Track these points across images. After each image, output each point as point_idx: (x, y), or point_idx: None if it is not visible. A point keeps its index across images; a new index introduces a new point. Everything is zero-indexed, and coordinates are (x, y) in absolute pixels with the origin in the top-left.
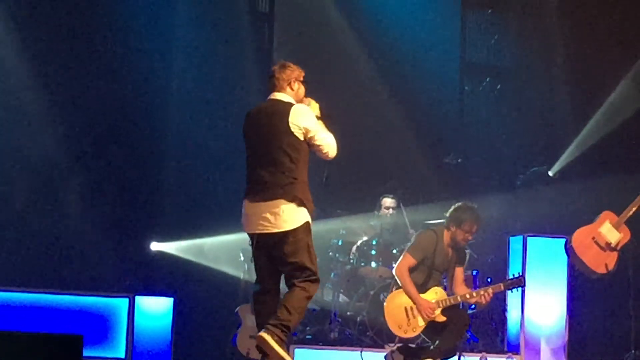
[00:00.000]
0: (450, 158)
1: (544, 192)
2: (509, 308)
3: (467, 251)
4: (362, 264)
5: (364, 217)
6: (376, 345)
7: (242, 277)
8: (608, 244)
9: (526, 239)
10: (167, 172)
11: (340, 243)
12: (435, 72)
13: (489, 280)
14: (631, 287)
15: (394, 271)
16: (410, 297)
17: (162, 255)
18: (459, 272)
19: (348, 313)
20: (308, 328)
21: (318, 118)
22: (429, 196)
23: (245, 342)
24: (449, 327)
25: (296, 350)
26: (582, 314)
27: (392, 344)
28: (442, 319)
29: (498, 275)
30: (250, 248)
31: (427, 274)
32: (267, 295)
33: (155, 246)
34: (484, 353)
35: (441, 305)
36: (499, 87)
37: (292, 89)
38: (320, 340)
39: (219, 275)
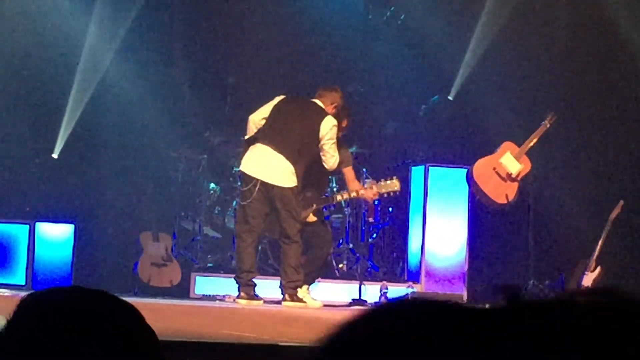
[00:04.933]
0: (353, 87)
1: (446, 122)
2: (409, 237)
3: (350, 151)
4: None
5: None
6: (277, 273)
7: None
8: (509, 175)
9: (428, 169)
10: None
11: None
12: (339, 0)
13: (390, 209)
14: (531, 217)
15: None
16: None
17: (63, 177)
18: (348, 172)
19: None
20: (209, 256)
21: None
22: None
23: (147, 269)
24: (311, 251)
25: (197, 277)
26: (482, 244)
27: None
28: (314, 219)
29: (400, 204)
30: None
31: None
32: (251, 235)
33: (55, 153)
34: (384, 282)
35: (310, 210)
36: (402, 17)
37: (330, 109)
38: (221, 269)
39: (120, 201)
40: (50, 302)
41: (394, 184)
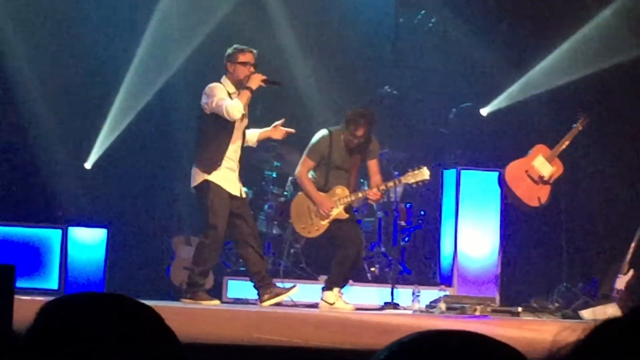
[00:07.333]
0: (384, 90)
1: (478, 126)
2: (442, 240)
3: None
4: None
5: (299, 150)
6: (309, 276)
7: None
8: (541, 177)
9: (460, 172)
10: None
11: (274, 175)
12: (371, 3)
13: (422, 212)
14: (563, 220)
15: (295, 175)
16: (309, 197)
17: (94, 181)
18: (372, 164)
19: (282, 245)
20: (241, 260)
21: (265, 82)
22: None
23: (179, 273)
24: (339, 252)
25: (230, 281)
26: (514, 247)
27: (325, 276)
28: (345, 216)
29: (431, 208)
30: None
31: (326, 173)
32: (237, 244)
33: (88, 164)
34: (416, 285)
35: (339, 204)
36: (433, 20)
37: (229, 72)
38: None
39: (152, 205)
40: (68, 308)
41: (422, 173)
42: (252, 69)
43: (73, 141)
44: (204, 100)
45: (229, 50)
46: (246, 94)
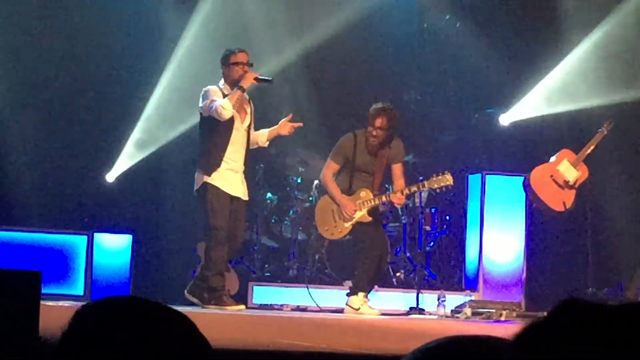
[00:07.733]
0: (409, 95)
1: (502, 131)
2: (467, 245)
3: (406, 159)
4: None
5: (324, 155)
6: (334, 282)
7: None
8: (566, 182)
9: (485, 177)
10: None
11: (299, 181)
12: (394, 8)
13: (447, 217)
14: (589, 224)
15: (320, 177)
16: (333, 199)
17: (119, 187)
18: (396, 168)
19: (307, 250)
20: (267, 266)
21: (257, 80)
22: None
23: None
24: (362, 255)
25: (255, 287)
26: (540, 252)
27: (349, 281)
28: (368, 219)
29: (456, 212)
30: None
31: (350, 176)
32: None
33: (110, 177)
34: (442, 290)
35: (363, 207)
36: (457, 25)
37: (224, 74)
38: (278, 278)
39: (177, 210)
40: (104, 313)
41: (446, 179)
42: (245, 68)
43: (98, 152)
44: (200, 103)
45: (223, 53)
46: (237, 94)
